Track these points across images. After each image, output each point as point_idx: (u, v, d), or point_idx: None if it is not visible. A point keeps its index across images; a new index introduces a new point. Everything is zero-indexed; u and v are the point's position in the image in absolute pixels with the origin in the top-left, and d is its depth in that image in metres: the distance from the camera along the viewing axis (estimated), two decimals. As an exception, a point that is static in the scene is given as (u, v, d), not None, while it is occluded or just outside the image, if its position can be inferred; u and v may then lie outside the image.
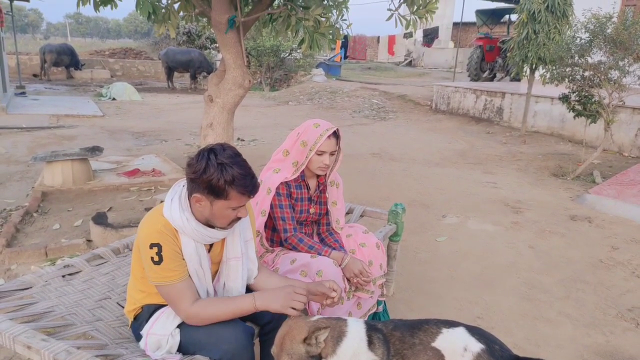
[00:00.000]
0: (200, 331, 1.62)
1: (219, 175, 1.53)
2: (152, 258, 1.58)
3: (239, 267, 1.79)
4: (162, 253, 1.58)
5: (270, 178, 2.27)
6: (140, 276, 1.71)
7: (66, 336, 1.71)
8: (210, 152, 1.57)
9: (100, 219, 3.72)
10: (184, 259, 1.65)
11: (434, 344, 1.55)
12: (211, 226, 1.68)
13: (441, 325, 1.60)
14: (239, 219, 1.68)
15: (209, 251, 1.75)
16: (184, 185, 1.68)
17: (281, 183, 2.25)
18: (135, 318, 1.75)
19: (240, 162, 1.59)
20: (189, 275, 1.67)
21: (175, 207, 1.63)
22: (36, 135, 7.63)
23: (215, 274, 1.81)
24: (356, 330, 1.57)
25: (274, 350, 1.55)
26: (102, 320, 1.87)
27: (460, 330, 1.58)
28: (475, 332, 1.58)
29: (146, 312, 1.72)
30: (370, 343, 1.55)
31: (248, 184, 1.58)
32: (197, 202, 1.60)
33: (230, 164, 1.55)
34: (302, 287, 1.71)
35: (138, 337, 1.71)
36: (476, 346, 1.52)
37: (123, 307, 1.87)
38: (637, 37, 5.51)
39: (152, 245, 1.58)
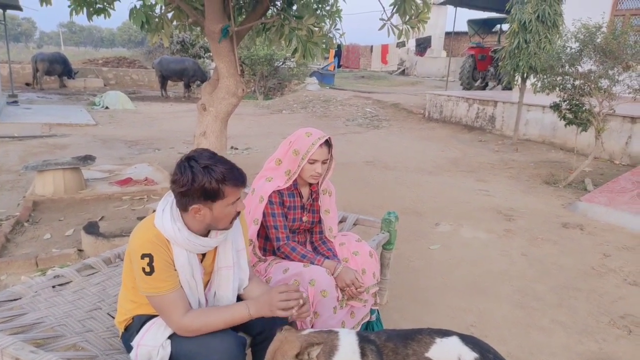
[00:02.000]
0: (191, 342, 1.61)
1: (209, 177, 1.55)
2: (143, 269, 1.57)
3: (230, 276, 1.79)
4: (153, 264, 1.57)
5: (262, 186, 2.27)
6: (131, 286, 1.70)
7: (56, 347, 1.70)
8: (189, 161, 1.58)
9: (91, 229, 3.69)
10: (175, 270, 1.64)
11: (427, 354, 1.54)
12: (204, 235, 1.67)
13: (434, 334, 1.59)
14: (239, 213, 1.69)
15: (201, 261, 1.74)
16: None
17: (274, 191, 2.25)
18: (125, 329, 1.74)
19: (220, 159, 1.62)
20: (181, 285, 1.66)
21: (167, 217, 1.62)
22: (28, 144, 7.58)
23: (207, 284, 1.80)
24: (348, 343, 1.56)
25: None
26: (93, 331, 1.85)
27: (454, 340, 1.57)
28: (469, 341, 1.58)
29: (137, 323, 1.71)
30: (364, 355, 1.54)
31: (238, 176, 1.61)
32: (197, 213, 1.59)
33: (213, 164, 1.57)
34: (282, 287, 1.70)
35: (129, 348, 1.69)
36: (470, 355, 1.51)
37: (114, 318, 1.85)
38: (626, 46, 5.58)
39: (143, 256, 1.57)
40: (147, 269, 1.57)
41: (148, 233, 1.61)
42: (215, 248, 1.77)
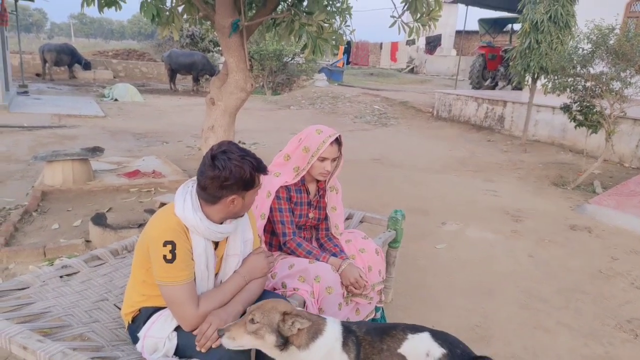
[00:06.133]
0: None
1: (247, 168, 1.61)
2: (164, 256, 1.57)
3: (235, 265, 1.82)
4: (176, 251, 1.58)
5: (270, 181, 2.27)
6: (142, 280, 1.70)
7: (62, 337, 1.71)
8: (224, 154, 1.61)
9: (99, 220, 3.71)
10: (192, 260, 1.65)
11: (399, 350, 1.62)
12: (220, 224, 1.71)
13: (407, 330, 1.66)
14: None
15: (215, 248, 1.76)
16: (192, 185, 1.70)
17: (281, 187, 2.25)
18: (132, 320, 1.74)
19: (247, 150, 1.69)
20: (194, 278, 1.67)
21: (188, 206, 1.64)
22: (37, 134, 7.63)
23: (216, 274, 1.82)
24: (333, 331, 1.62)
25: (251, 307, 1.58)
26: (99, 322, 1.86)
27: (424, 336, 1.64)
28: (439, 337, 1.64)
29: (144, 315, 1.71)
30: (345, 345, 1.60)
31: (264, 165, 1.70)
32: (232, 203, 1.65)
33: (246, 155, 1.64)
34: (263, 253, 1.89)
35: (135, 340, 1.70)
36: (438, 351, 1.58)
37: (120, 309, 1.86)
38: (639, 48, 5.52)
39: (166, 243, 1.58)
40: (169, 257, 1.58)
41: (170, 221, 1.63)
42: (226, 238, 1.79)
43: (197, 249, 1.66)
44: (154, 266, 1.61)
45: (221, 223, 1.72)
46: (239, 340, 1.51)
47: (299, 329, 1.53)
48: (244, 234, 1.85)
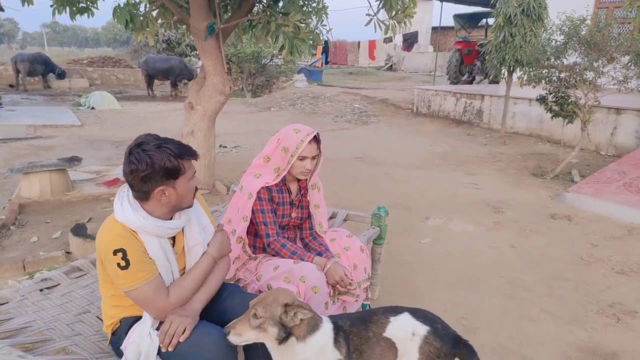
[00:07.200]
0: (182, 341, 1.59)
1: (167, 156, 1.57)
2: (118, 264, 1.55)
3: (200, 254, 1.80)
4: (127, 257, 1.55)
5: (251, 183, 2.26)
6: (110, 294, 1.68)
7: (45, 352, 1.68)
8: (139, 147, 1.58)
9: (79, 230, 3.65)
10: (150, 258, 1.63)
11: (385, 334, 1.66)
12: (168, 219, 1.69)
13: (388, 314, 1.71)
14: (197, 189, 1.74)
15: (173, 246, 1.74)
16: (128, 189, 1.67)
17: (262, 188, 2.24)
18: (113, 333, 1.72)
19: (167, 138, 1.65)
20: (159, 272, 1.65)
21: (127, 209, 1.61)
22: (13, 146, 7.47)
23: (182, 270, 1.79)
24: (327, 328, 1.64)
25: (253, 301, 1.58)
26: (82, 335, 1.83)
27: (406, 316, 1.69)
28: (419, 315, 1.70)
29: (125, 326, 1.69)
30: (336, 341, 1.63)
31: (189, 149, 1.66)
32: (162, 196, 1.60)
33: (163, 143, 1.60)
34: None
35: (118, 352, 1.67)
36: (422, 329, 1.64)
37: (103, 321, 1.84)
38: (610, 38, 5.64)
39: (115, 252, 1.55)
40: (122, 263, 1.55)
41: (114, 229, 1.60)
42: (182, 230, 1.77)
43: (151, 248, 1.63)
44: (113, 277, 1.58)
45: (171, 218, 1.69)
46: (245, 335, 1.55)
47: (301, 319, 1.56)
48: (200, 222, 1.82)
